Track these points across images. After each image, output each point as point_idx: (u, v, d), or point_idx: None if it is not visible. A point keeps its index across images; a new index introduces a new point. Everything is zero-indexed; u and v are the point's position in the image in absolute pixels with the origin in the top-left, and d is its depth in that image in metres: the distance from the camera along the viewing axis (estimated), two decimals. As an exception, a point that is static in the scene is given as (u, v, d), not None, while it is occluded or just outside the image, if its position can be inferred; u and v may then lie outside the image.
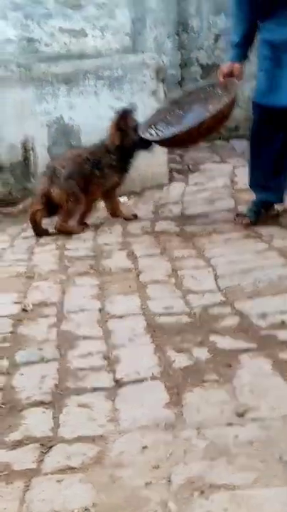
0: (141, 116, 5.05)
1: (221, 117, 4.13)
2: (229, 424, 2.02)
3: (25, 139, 4.99)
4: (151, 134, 4.36)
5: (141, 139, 4.30)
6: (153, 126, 4.42)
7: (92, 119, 5.03)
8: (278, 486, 1.70)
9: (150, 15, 6.09)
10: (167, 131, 4.36)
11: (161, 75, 5.09)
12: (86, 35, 5.85)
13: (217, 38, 6.47)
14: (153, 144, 4.37)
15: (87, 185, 4.39)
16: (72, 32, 5.70)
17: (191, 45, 6.46)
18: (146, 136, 4.32)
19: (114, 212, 4.63)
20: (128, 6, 5.99)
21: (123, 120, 4.37)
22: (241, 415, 2.07)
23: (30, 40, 5.58)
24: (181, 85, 6.43)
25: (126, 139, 4.37)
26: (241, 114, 6.51)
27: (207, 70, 6.51)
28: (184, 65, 6.43)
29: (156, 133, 4.38)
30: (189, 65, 6.45)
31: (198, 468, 1.80)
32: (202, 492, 1.69)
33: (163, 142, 4.44)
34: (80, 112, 5.00)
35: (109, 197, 4.60)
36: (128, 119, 4.40)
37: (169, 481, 1.76)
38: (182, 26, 6.43)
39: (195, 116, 4.27)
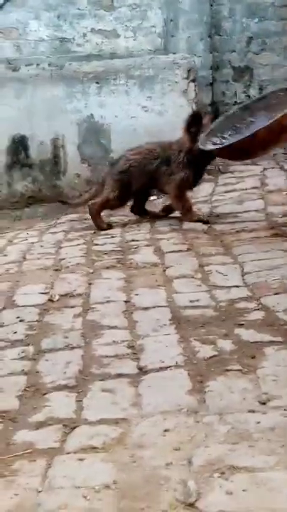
0: (171, 115, 5.10)
1: (279, 129, 3.64)
2: (251, 411, 2.02)
3: (56, 137, 5.04)
4: (215, 143, 4.05)
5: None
6: (219, 134, 4.10)
7: (123, 118, 5.07)
8: (299, 469, 1.70)
9: (182, 16, 6.12)
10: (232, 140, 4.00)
11: (192, 74, 5.12)
12: (118, 36, 5.91)
13: (249, 40, 6.46)
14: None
15: (152, 180, 4.48)
16: (104, 32, 5.76)
17: (223, 48, 6.47)
18: (205, 145, 4.06)
19: (183, 214, 4.50)
20: (160, 7, 6.04)
21: (193, 124, 4.28)
22: (263, 403, 2.07)
23: (62, 40, 5.66)
24: (213, 87, 6.44)
25: (195, 143, 4.23)
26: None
27: (239, 72, 6.50)
28: (216, 67, 6.43)
29: (221, 142, 4.04)
30: (221, 67, 6.45)
31: (219, 451, 1.80)
32: (223, 473, 1.69)
33: (220, 153, 4.17)
34: (111, 110, 5.04)
35: (179, 198, 4.49)
36: (199, 123, 4.25)
37: (189, 462, 1.76)
38: (214, 28, 6.44)
39: (262, 124, 3.82)
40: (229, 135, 4.04)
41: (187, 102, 5.11)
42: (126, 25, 5.90)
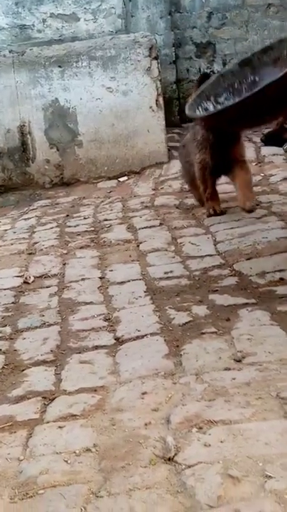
0: (136, 94, 5.10)
1: None
2: (227, 369, 2.05)
3: (22, 124, 5.02)
4: (207, 109, 3.05)
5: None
6: (212, 97, 3.07)
7: (88, 100, 5.06)
8: (274, 419, 1.73)
9: (141, -4, 6.11)
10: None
11: (154, 52, 5.11)
12: (78, 19, 5.88)
13: (209, 16, 6.46)
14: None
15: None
16: (64, 17, 5.73)
17: (184, 25, 6.47)
18: (194, 111, 3.08)
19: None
20: (118, -13, 6.01)
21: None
22: (238, 361, 2.10)
23: (22, 27, 5.62)
24: (176, 65, 6.44)
25: None
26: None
27: (202, 48, 6.51)
28: (178, 44, 6.43)
29: (215, 107, 3.04)
30: (183, 44, 6.45)
31: (196, 408, 1.83)
32: (200, 428, 1.72)
33: (213, 120, 3.12)
34: (75, 93, 5.02)
35: (200, 183, 3.87)
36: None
37: (168, 420, 1.79)
38: (174, 6, 6.44)
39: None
40: (225, 99, 3.04)
41: (151, 80, 5.10)
42: (85, 8, 5.86)
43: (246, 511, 1.37)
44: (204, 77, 3.44)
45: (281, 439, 1.63)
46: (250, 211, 3.59)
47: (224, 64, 6.49)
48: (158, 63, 5.14)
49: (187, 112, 3.15)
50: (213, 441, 1.65)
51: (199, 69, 6.50)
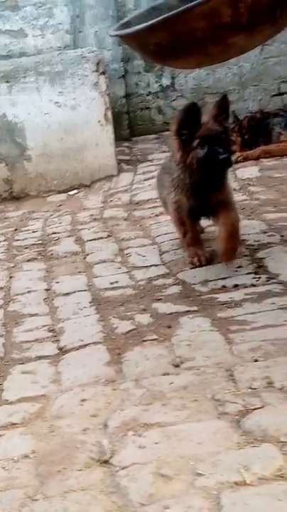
0: (84, 109, 5.16)
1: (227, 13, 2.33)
2: (166, 374, 2.10)
3: None
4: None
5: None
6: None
7: (36, 115, 5.09)
8: (208, 420, 1.78)
9: (88, 11, 6.17)
10: None
11: (101, 67, 5.17)
12: (26, 35, 5.93)
13: (157, 31, 6.57)
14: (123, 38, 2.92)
15: None
16: (11, 33, 5.77)
17: (132, 40, 6.56)
18: (113, 32, 2.89)
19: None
20: (66, 4, 6.09)
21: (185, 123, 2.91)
22: (177, 366, 2.15)
23: None
24: (125, 79, 6.52)
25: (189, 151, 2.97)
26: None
27: (150, 62, 6.60)
28: (127, 59, 6.51)
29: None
30: (132, 59, 6.53)
31: (133, 413, 1.87)
32: (136, 431, 1.76)
33: (135, 41, 2.72)
34: (23, 108, 5.05)
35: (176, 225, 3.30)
36: (192, 120, 2.91)
37: (105, 425, 1.83)
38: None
39: None
40: None
41: (99, 95, 5.16)
42: (33, 24, 5.92)
43: (176, 507, 1.42)
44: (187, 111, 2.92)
45: (214, 439, 1.68)
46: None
47: (173, 78, 6.60)
48: (105, 78, 5.21)
49: (110, 32, 3.01)
50: (148, 443, 1.69)
51: (149, 83, 6.60)
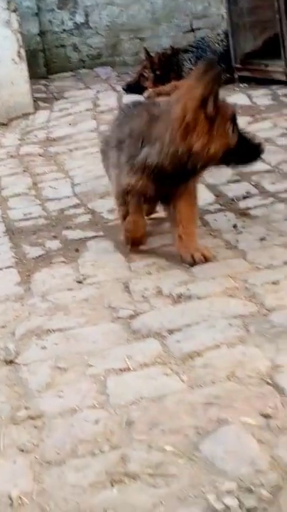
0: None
1: None
2: (70, 289, 2.33)
3: None
4: None
5: None
6: None
7: None
8: (103, 323, 2.04)
9: None
10: None
11: (13, 5, 5.19)
12: None
13: None
14: None
15: None
16: None
17: (45, -24, 6.55)
18: None
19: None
20: None
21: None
22: (80, 282, 2.39)
23: None
24: (39, 17, 6.53)
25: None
26: (102, 41, 6.73)
27: (63, 0, 6.62)
28: (40, -4, 6.52)
29: None
30: (45, -5, 6.54)
31: (38, 322, 2.10)
32: (39, 336, 2.00)
33: None
34: None
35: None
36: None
37: (13, 334, 2.06)
38: None
39: None
40: None
41: (12, 33, 5.20)
42: None
43: (68, 391, 1.67)
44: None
45: (106, 338, 1.94)
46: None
47: (87, 15, 6.65)
48: (17, 15, 5.24)
49: None
50: (48, 345, 1.93)
51: (62, 20, 6.63)
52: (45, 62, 6.50)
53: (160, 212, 2.75)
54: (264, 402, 1.48)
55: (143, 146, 2.40)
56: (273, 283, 2.10)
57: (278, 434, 1.38)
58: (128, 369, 1.73)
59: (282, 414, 1.43)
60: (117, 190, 2.59)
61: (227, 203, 2.95)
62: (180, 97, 2.33)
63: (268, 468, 1.29)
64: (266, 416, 1.43)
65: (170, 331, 1.91)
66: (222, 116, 2.28)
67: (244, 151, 2.38)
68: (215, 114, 2.25)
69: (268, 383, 1.56)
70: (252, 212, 2.81)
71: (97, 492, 1.30)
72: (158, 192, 2.47)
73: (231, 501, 1.21)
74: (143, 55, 5.57)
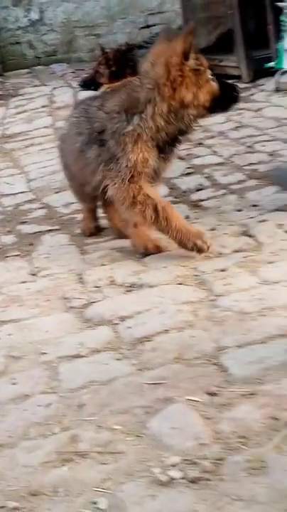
0: None
1: None
2: (24, 282, 2.36)
3: None
4: None
5: None
6: None
7: None
8: (57, 314, 2.08)
9: None
10: None
11: None
12: None
13: None
14: None
15: None
16: None
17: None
18: None
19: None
20: None
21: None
22: (34, 274, 2.42)
23: None
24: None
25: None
26: (57, 38, 6.74)
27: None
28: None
29: None
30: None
31: (-8, 314, 2.13)
32: (-7, 327, 2.03)
33: None
34: None
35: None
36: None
37: None
38: None
39: None
40: None
41: None
42: None
43: (21, 378, 1.71)
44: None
45: (59, 327, 1.98)
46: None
47: (42, 12, 6.65)
48: None
49: None
50: (2, 336, 1.97)
51: (17, 17, 6.63)
52: (0, 59, 6.48)
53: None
54: (209, 381, 1.54)
55: (132, 116, 2.37)
56: (222, 270, 2.17)
57: (222, 410, 1.43)
58: (80, 355, 1.77)
59: (225, 391, 1.49)
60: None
61: (180, 195, 3.01)
62: (157, 59, 2.37)
63: (212, 442, 1.34)
64: (211, 394, 1.49)
65: (122, 318, 1.96)
66: (203, 66, 2.38)
67: (226, 94, 2.47)
68: (197, 65, 2.35)
69: (213, 364, 1.62)
70: (204, 203, 2.87)
71: (48, 471, 1.35)
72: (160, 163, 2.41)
73: (175, 473, 1.26)
74: (98, 52, 5.60)
